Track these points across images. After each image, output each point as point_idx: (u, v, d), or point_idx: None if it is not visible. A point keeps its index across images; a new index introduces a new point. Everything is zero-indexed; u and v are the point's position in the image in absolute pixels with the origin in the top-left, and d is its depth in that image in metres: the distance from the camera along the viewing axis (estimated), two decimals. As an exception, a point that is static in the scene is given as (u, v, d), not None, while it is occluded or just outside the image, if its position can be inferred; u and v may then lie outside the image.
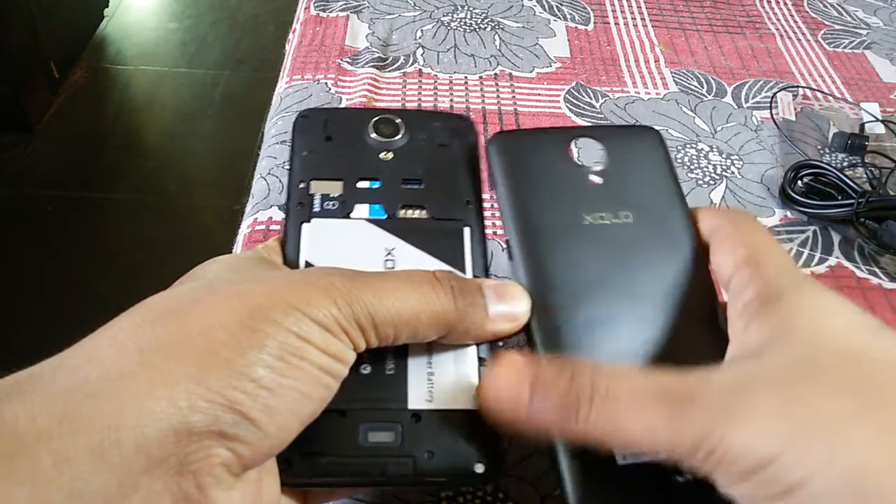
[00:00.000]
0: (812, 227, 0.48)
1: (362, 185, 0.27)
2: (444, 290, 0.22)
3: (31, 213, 1.37)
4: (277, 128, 0.52)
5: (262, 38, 1.83)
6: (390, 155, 0.27)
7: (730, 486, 0.19)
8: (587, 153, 0.29)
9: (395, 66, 0.59)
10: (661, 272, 0.24)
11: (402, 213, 0.26)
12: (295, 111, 0.53)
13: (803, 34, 0.68)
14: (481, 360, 0.24)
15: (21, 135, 1.50)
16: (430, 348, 0.23)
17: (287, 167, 0.27)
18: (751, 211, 0.49)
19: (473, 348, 0.24)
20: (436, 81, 0.58)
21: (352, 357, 0.21)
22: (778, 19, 0.70)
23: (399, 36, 0.62)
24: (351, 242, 0.25)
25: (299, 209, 0.26)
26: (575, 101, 0.57)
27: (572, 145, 0.28)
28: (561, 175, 0.26)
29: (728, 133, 0.56)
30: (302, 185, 0.26)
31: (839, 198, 0.47)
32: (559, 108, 0.57)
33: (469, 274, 0.26)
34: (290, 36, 0.63)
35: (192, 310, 0.20)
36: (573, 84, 0.59)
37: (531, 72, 0.60)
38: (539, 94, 0.58)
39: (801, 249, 0.47)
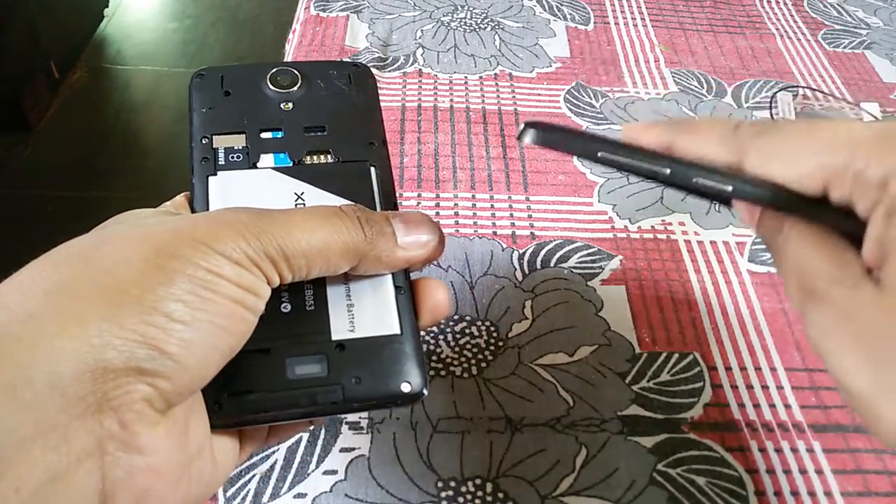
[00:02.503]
0: (812, 227, 0.48)
1: (265, 135, 0.27)
2: (351, 220, 0.23)
3: (31, 213, 1.37)
4: (277, 128, 0.52)
5: (262, 38, 1.83)
6: (290, 105, 0.28)
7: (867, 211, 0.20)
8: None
9: (395, 65, 0.59)
10: None
11: (307, 159, 0.27)
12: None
13: (803, 34, 0.68)
14: (398, 289, 0.24)
15: (21, 135, 1.50)
16: (348, 280, 0.24)
17: (189, 126, 0.27)
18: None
19: (389, 277, 0.24)
20: (436, 81, 0.58)
21: (266, 291, 0.21)
22: (778, 19, 0.70)
23: (399, 36, 0.62)
24: (259, 192, 0.26)
25: (204, 164, 0.26)
26: (575, 101, 0.57)
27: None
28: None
29: (728, 133, 0.55)
30: (205, 141, 0.27)
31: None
32: (559, 107, 0.57)
33: (377, 210, 0.26)
34: (290, 36, 0.63)
35: (97, 252, 0.20)
36: (573, 84, 0.59)
37: (531, 72, 0.60)
38: (539, 94, 0.58)
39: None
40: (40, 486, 0.17)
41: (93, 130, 1.56)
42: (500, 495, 0.34)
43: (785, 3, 0.72)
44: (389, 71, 0.58)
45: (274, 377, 0.22)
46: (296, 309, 0.23)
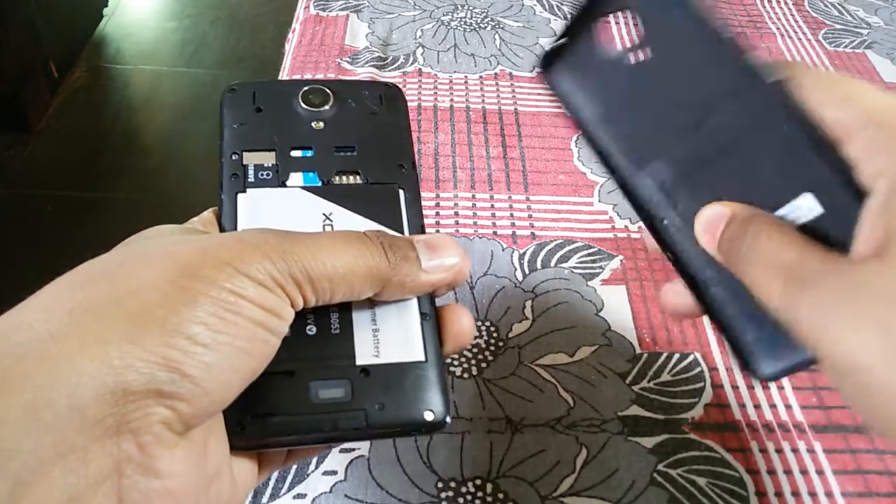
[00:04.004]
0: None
1: (295, 154, 0.27)
2: (375, 246, 0.23)
3: (30, 213, 1.37)
4: (277, 127, 0.52)
5: (261, 37, 1.83)
6: (321, 124, 0.28)
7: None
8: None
9: (395, 65, 0.59)
10: None
11: (336, 179, 0.26)
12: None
13: (804, 34, 0.68)
14: (423, 315, 0.24)
15: (21, 134, 1.50)
16: (374, 305, 0.24)
17: (218, 141, 0.27)
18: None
19: (415, 303, 0.24)
20: (436, 81, 0.58)
21: (290, 313, 0.21)
22: (778, 18, 0.69)
23: (399, 35, 0.62)
24: (288, 210, 0.25)
25: (233, 180, 0.26)
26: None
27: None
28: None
29: (729, 133, 0.55)
30: (234, 157, 0.26)
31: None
32: (559, 107, 0.56)
33: (406, 234, 0.26)
34: (290, 35, 0.63)
35: (121, 271, 0.20)
36: (573, 83, 0.59)
37: (531, 71, 0.60)
38: (539, 94, 0.58)
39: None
40: None
41: (92, 130, 1.56)
42: (501, 496, 0.34)
43: (785, 3, 0.72)
44: (389, 70, 0.58)
45: (297, 400, 0.22)
46: (321, 332, 0.23)
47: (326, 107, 0.28)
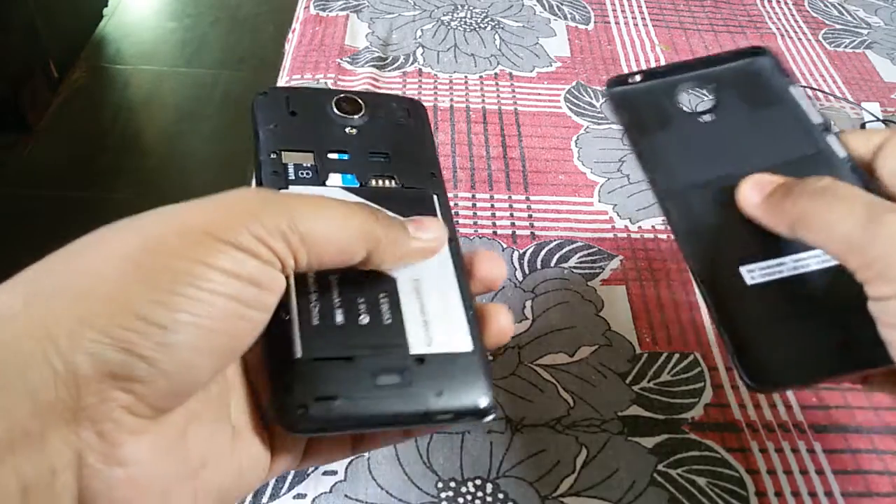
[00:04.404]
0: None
1: (332, 156, 0.27)
2: (363, 207, 0.23)
3: (30, 213, 1.37)
4: (277, 127, 0.52)
5: (261, 37, 1.83)
6: (354, 130, 0.28)
7: (875, 299, 0.22)
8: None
9: (395, 65, 0.59)
10: None
11: (373, 182, 0.27)
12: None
13: (804, 34, 0.68)
14: (467, 308, 0.25)
15: (21, 134, 1.50)
16: (421, 298, 0.25)
17: (253, 143, 0.27)
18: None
19: (459, 296, 0.25)
20: (436, 81, 0.58)
21: (277, 280, 0.20)
22: (778, 18, 0.69)
23: (399, 35, 0.62)
24: None
25: (274, 177, 0.26)
26: (575, 101, 0.57)
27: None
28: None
29: (729, 133, 0.55)
30: (274, 156, 0.27)
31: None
32: (559, 107, 0.56)
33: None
34: (290, 35, 0.63)
35: (85, 250, 0.19)
36: (573, 83, 0.59)
37: (531, 71, 0.60)
38: (539, 94, 0.58)
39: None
40: (10, 497, 0.16)
41: (92, 130, 1.56)
42: (500, 496, 0.34)
43: (786, 3, 0.72)
44: (389, 70, 0.58)
45: (359, 385, 0.22)
46: (373, 322, 0.24)
47: (358, 115, 0.29)
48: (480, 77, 0.59)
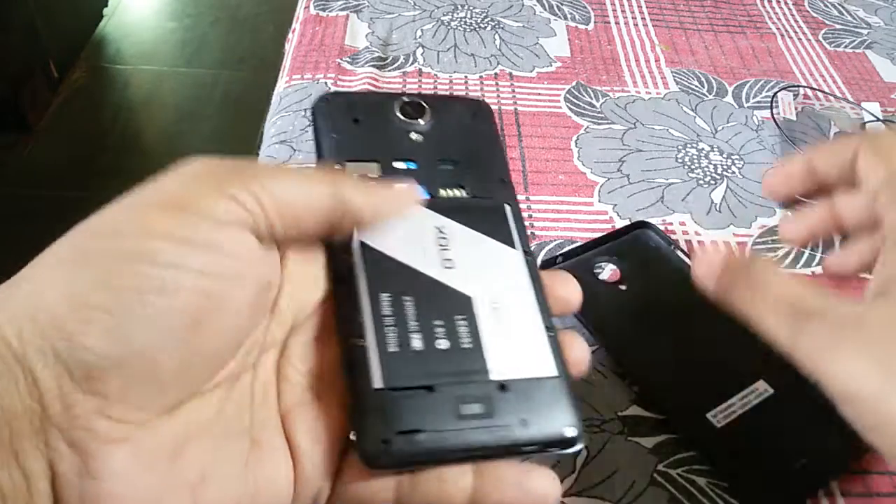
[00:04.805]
0: (813, 227, 0.48)
1: (398, 165, 0.26)
2: (320, 169, 0.22)
3: (29, 213, 1.37)
4: (277, 127, 0.52)
5: (261, 37, 1.83)
6: (420, 137, 0.27)
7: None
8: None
9: (395, 65, 0.59)
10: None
11: (442, 192, 0.26)
12: (295, 111, 0.53)
13: (804, 34, 0.68)
14: (548, 330, 0.24)
15: (20, 134, 1.50)
16: (500, 320, 0.23)
17: (315, 151, 0.26)
18: (751, 212, 0.49)
19: (540, 318, 0.24)
20: (436, 81, 0.58)
21: (238, 242, 0.19)
22: (779, 18, 0.69)
23: (399, 35, 0.62)
24: (400, 223, 0.25)
25: None
26: (575, 101, 0.57)
27: None
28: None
29: (729, 133, 0.55)
30: (338, 168, 0.26)
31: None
32: (559, 107, 0.56)
33: (517, 249, 0.25)
34: (290, 35, 0.63)
35: (45, 251, 0.18)
36: (573, 83, 0.59)
37: (531, 71, 0.60)
38: (539, 94, 0.58)
39: (801, 249, 0.47)
40: None
41: (92, 130, 1.56)
42: (501, 496, 0.34)
43: (786, 3, 0.72)
44: (389, 70, 0.58)
45: (442, 416, 0.21)
46: (452, 347, 0.22)
47: (424, 120, 0.27)
48: (480, 77, 0.59)
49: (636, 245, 0.39)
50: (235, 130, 1.56)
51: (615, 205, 0.49)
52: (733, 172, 0.52)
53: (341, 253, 0.24)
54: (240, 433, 0.20)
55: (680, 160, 0.53)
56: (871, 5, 0.73)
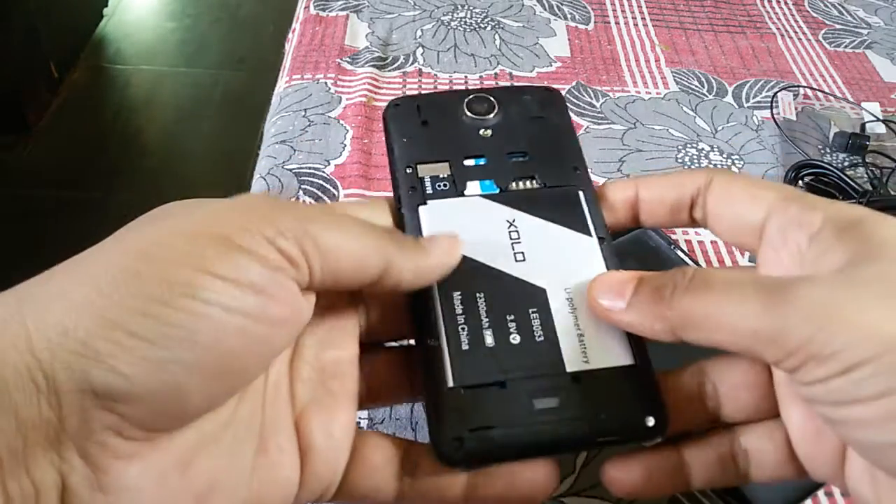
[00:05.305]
0: (813, 227, 0.48)
1: (468, 163, 0.27)
2: (374, 225, 0.21)
3: (29, 213, 1.37)
4: (277, 127, 0.52)
5: (261, 37, 1.83)
6: (489, 132, 0.27)
7: (809, 383, 0.18)
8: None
9: (395, 65, 0.59)
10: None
11: (513, 185, 0.26)
12: (295, 111, 0.53)
13: (804, 34, 0.68)
14: None
15: (20, 134, 1.50)
16: (574, 310, 0.23)
17: (388, 155, 0.27)
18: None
19: None
20: (436, 81, 0.58)
21: (291, 290, 0.18)
22: (778, 18, 0.69)
23: (399, 35, 0.62)
24: (471, 219, 0.25)
25: (412, 193, 0.26)
26: (575, 101, 0.57)
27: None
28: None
29: (729, 133, 0.55)
30: (409, 171, 0.26)
31: (840, 198, 0.46)
32: (559, 107, 0.56)
33: (593, 237, 0.25)
34: (290, 35, 0.63)
35: (90, 256, 0.18)
36: (574, 83, 0.59)
37: (531, 71, 0.60)
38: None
39: (802, 249, 0.47)
40: None
41: (92, 130, 1.56)
42: (501, 496, 0.34)
43: (786, 3, 0.72)
44: (389, 70, 0.58)
45: (515, 412, 0.21)
46: (525, 340, 0.22)
47: (492, 115, 0.28)
48: (480, 77, 0.59)
49: (636, 245, 0.39)
50: (235, 130, 1.56)
51: (615, 205, 0.49)
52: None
53: None
54: (250, 436, 0.20)
55: (680, 160, 0.53)
56: (871, 5, 0.73)
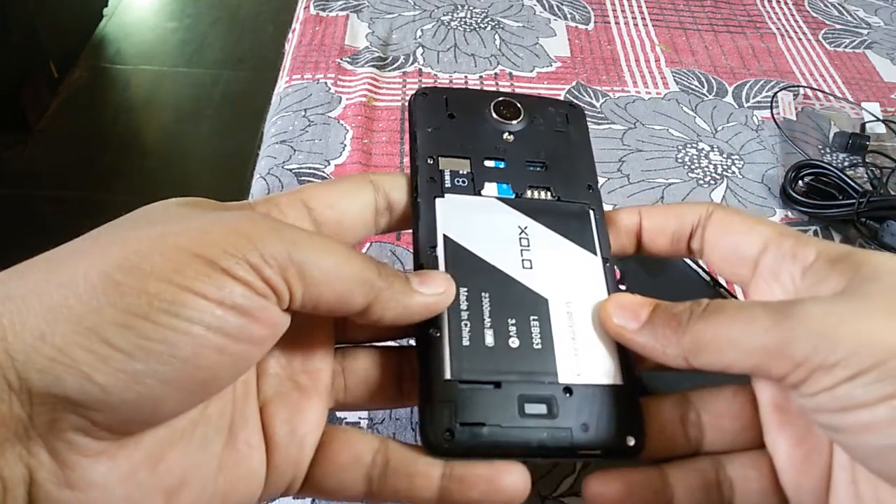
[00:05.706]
0: (813, 227, 0.48)
1: (488, 164, 0.27)
2: (364, 256, 0.21)
3: (29, 213, 1.37)
4: (277, 127, 0.52)
5: (261, 37, 1.83)
6: (512, 137, 0.28)
7: (815, 394, 0.19)
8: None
9: (395, 65, 0.59)
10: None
11: (528, 193, 0.26)
12: (295, 111, 0.53)
13: (804, 34, 0.68)
14: None
15: (20, 134, 1.50)
16: (573, 323, 0.24)
17: (409, 143, 0.27)
18: (751, 212, 0.49)
19: None
20: (436, 81, 0.58)
21: (273, 313, 0.19)
22: (779, 18, 0.69)
23: (399, 35, 0.62)
24: (485, 220, 0.25)
25: (430, 184, 0.26)
26: (575, 101, 0.57)
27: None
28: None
29: (729, 133, 0.55)
30: (430, 161, 0.26)
31: (840, 198, 0.46)
32: (559, 107, 0.56)
33: (597, 256, 0.25)
34: (290, 35, 0.63)
35: (67, 259, 0.18)
36: (573, 83, 0.59)
37: (531, 71, 0.60)
38: (539, 94, 0.57)
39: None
40: None
41: (92, 130, 1.56)
42: (501, 496, 0.34)
43: (786, 3, 0.72)
44: (389, 70, 0.58)
45: (505, 413, 0.22)
46: (523, 346, 0.23)
47: (516, 121, 0.28)
48: (480, 77, 0.59)
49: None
50: (235, 130, 1.56)
51: (615, 205, 0.49)
52: (733, 172, 0.52)
53: (425, 246, 0.24)
54: (219, 432, 0.20)
55: (680, 160, 0.53)
56: (871, 5, 0.73)
